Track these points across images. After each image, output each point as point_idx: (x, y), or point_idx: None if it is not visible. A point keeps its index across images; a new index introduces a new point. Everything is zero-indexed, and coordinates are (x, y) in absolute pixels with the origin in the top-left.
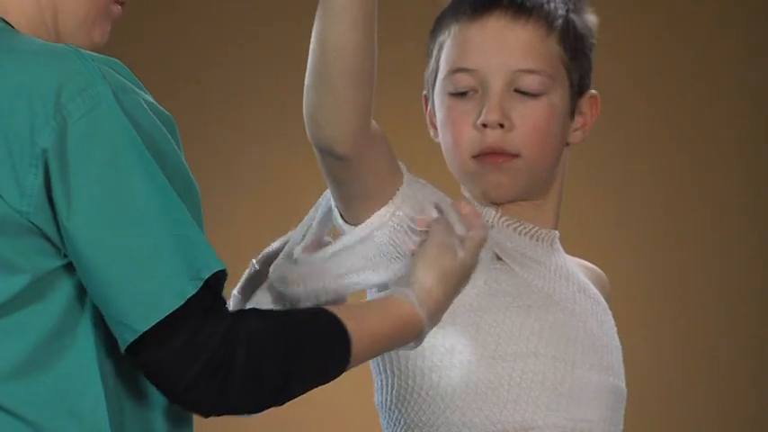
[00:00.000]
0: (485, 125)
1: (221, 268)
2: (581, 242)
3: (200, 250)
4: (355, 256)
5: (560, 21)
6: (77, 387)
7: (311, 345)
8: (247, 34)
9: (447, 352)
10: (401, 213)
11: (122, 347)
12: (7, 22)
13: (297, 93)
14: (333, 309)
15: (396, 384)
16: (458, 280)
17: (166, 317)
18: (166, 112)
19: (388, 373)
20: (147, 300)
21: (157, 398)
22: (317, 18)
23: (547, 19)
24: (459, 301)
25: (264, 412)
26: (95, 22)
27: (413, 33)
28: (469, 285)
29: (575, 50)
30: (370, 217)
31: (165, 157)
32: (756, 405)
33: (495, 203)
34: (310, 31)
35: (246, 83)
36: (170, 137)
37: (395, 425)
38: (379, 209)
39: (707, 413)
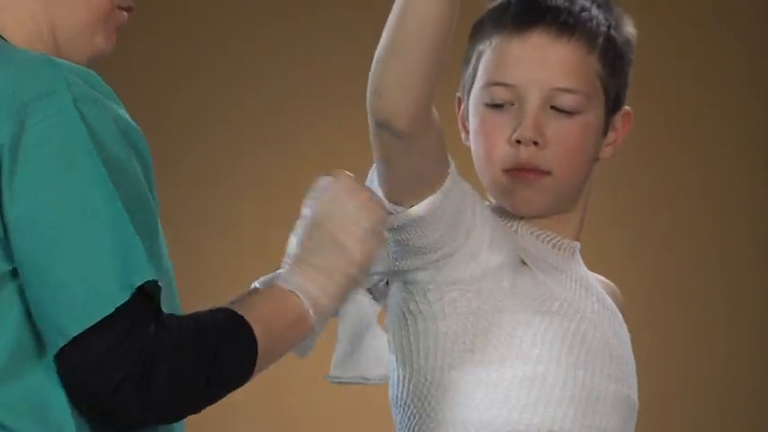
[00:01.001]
0: (519, 141)
1: (152, 278)
2: (583, 254)
3: (136, 259)
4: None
5: (602, 39)
6: (47, 399)
7: (224, 343)
8: (247, 34)
9: (468, 350)
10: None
11: (52, 352)
12: (2, 37)
13: (297, 93)
14: (230, 305)
15: (414, 379)
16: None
17: (97, 322)
18: (134, 124)
19: (407, 367)
20: (81, 304)
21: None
22: None
23: (589, 37)
24: (485, 299)
25: (269, 407)
26: (96, 31)
27: None
28: (495, 285)
29: (613, 68)
30: (412, 201)
31: (119, 170)
32: (757, 410)
33: (523, 217)
34: (309, 32)
35: (246, 84)
36: (131, 152)
37: (409, 419)
38: (426, 195)
39: (707, 419)
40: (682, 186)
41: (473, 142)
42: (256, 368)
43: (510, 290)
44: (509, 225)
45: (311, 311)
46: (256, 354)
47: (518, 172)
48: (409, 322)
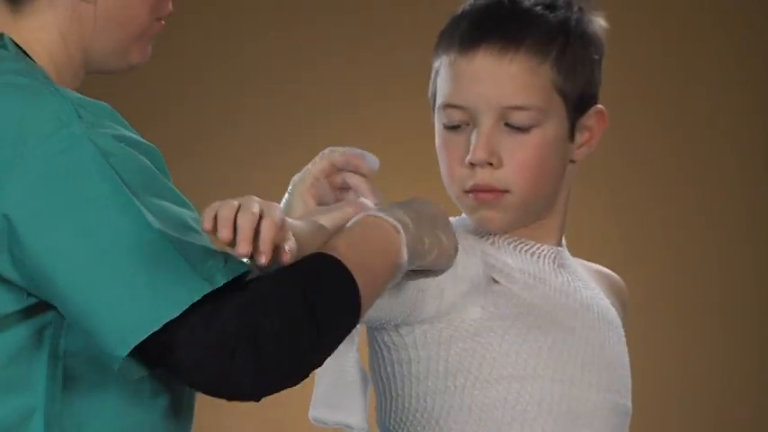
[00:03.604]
0: (473, 164)
1: (202, 294)
2: (577, 250)
3: (183, 276)
4: None
5: (555, 45)
6: (17, 428)
7: (322, 289)
8: (246, 40)
9: (442, 376)
10: None
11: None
12: (23, 50)
13: (297, 99)
14: (328, 248)
15: (394, 406)
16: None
17: (174, 329)
18: (152, 145)
19: (387, 395)
20: (123, 329)
21: None
22: None
23: (538, 48)
24: (456, 327)
25: (269, 407)
26: (131, 47)
27: (412, 41)
28: (466, 313)
29: (572, 71)
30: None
31: (148, 187)
32: (754, 410)
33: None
34: (309, 38)
35: (245, 90)
36: (155, 169)
37: None
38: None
39: (704, 419)
40: (677, 183)
41: (438, 159)
42: (363, 302)
43: (482, 314)
44: (486, 237)
45: (402, 234)
46: (357, 288)
47: (476, 193)
48: (384, 352)
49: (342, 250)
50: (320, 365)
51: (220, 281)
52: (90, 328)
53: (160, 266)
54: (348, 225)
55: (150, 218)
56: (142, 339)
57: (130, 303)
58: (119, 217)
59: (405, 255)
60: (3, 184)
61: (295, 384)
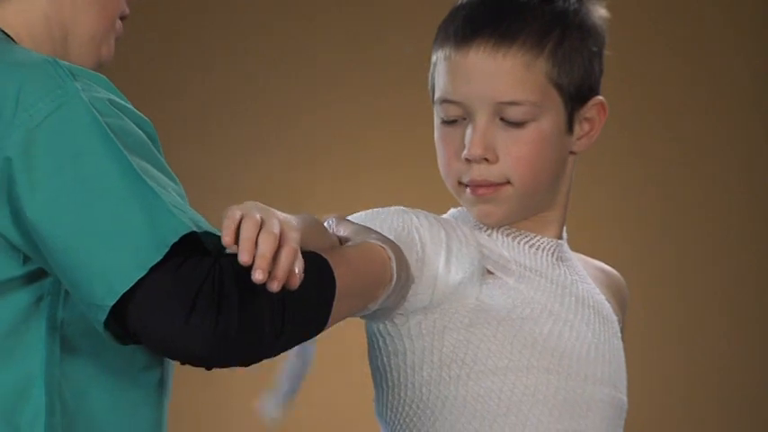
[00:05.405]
0: (469, 160)
1: (187, 231)
2: (580, 247)
3: (165, 219)
4: None
5: (550, 38)
6: (18, 397)
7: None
8: (246, 37)
9: (437, 367)
10: None
11: (102, 330)
12: (7, 35)
13: (296, 95)
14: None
15: (390, 396)
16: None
17: (137, 284)
18: (145, 117)
19: (384, 386)
20: (111, 275)
21: (107, 425)
22: None
23: (533, 43)
24: (450, 318)
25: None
26: (103, 40)
27: (413, 34)
28: (460, 303)
29: (569, 64)
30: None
31: (135, 150)
32: (758, 414)
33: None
34: (308, 35)
35: (244, 87)
36: (145, 137)
37: None
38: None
39: (707, 422)
40: (680, 177)
41: (437, 152)
42: (334, 306)
43: (476, 305)
44: (484, 228)
45: (393, 263)
46: (331, 278)
47: (473, 188)
48: (380, 342)
49: (341, 270)
50: (281, 342)
51: (204, 228)
52: (78, 279)
53: (146, 214)
54: (350, 245)
55: (138, 170)
56: (131, 286)
57: (117, 251)
58: (109, 168)
59: (392, 272)
60: (4, 136)
61: (246, 357)
